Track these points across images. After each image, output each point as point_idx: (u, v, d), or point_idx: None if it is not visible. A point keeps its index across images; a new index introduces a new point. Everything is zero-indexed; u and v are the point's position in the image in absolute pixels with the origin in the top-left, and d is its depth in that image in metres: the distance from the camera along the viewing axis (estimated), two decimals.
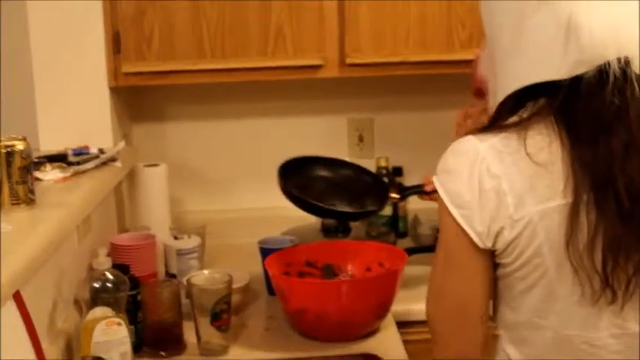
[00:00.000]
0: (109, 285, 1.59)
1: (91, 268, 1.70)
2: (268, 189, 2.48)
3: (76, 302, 1.65)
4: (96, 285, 1.59)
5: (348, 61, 2.14)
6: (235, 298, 1.84)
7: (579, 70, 1.14)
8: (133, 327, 1.68)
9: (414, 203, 2.28)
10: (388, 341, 1.79)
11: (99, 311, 1.57)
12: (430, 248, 2.27)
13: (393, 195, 2.07)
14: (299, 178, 2.05)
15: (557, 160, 1.15)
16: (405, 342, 1.80)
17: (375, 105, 2.51)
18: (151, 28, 2.09)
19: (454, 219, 1.19)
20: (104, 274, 1.60)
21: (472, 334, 1.27)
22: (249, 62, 2.12)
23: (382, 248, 1.96)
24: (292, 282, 1.82)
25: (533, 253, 1.17)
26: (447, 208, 1.20)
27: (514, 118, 1.20)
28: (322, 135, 2.45)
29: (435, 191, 1.98)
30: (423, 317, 1.94)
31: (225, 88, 2.42)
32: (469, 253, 1.21)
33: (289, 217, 2.23)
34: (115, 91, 2.17)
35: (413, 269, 2.15)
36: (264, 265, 1.92)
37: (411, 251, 2.19)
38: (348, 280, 1.88)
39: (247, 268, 2.01)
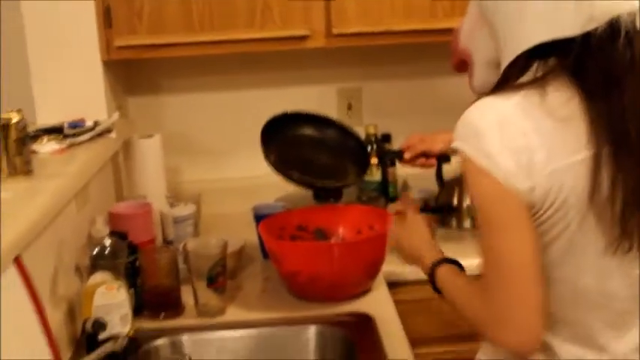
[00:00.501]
0: (107, 251, 1.62)
1: (90, 236, 1.72)
2: (261, 158, 2.51)
3: (77, 269, 1.68)
4: (95, 251, 1.62)
5: (335, 31, 2.15)
6: (231, 262, 1.87)
7: (590, 26, 1.15)
8: (132, 291, 1.71)
9: (402, 169, 2.31)
10: (379, 301, 1.81)
11: (99, 276, 1.59)
12: (419, 211, 2.31)
13: (373, 160, 2.08)
14: (283, 140, 2.04)
15: (577, 115, 1.17)
16: (396, 301, 1.83)
17: (362, 74, 2.52)
18: (141, 2, 2.10)
19: (495, 181, 1.17)
20: (102, 241, 1.62)
21: (533, 299, 1.20)
22: (237, 34, 2.13)
23: (372, 212, 1.99)
24: (285, 245, 1.85)
25: (559, 206, 1.19)
26: (484, 171, 1.17)
27: (527, 78, 1.20)
28: (312, 104, 2.46)
29: (415, 158, 2.01)
30: (412, 278, 2.00)
31: (217, 61, 2.43)
32: (516, 213, 1.18)
33: (282, 185, 2.25)
34: (109, 65, 2.18)
35: None
36: (257, 230, 1.94)
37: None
38: (339, 242, 1.90)
39: (242, 234, 2.04)
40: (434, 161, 2.01)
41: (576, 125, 1.17)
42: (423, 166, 2.02)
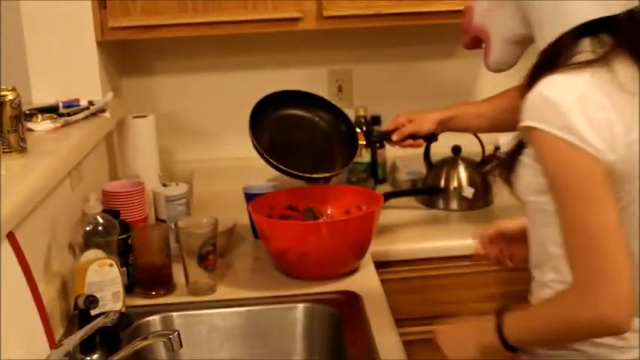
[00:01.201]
0: (100, 228, 1.61)
1: (83, 214, 1.72)
2: None
3: (71, 246, 1.68)
4: (87, 228, 1.61)
5: (325, 13, 2.14)
6: (222, 241, 1.88)
7: (631, 5, 1.23)
8: (124, 269, 1.72)
9: (391, 151, 2.31)
10: (366, 279, 1.82)
11: (91, 253, 1.60)
12: (407, 192, 2.32)
13: (361, 142, 2.06)
14: (271, 123, 2.00)
15: None
16: (383, 281, 1.83)
17: (353, 56, 2.52)
18: None
19: (585, 156, 1.18)
20: (95, 218, 1.62)
21: (626, 268, 1.20)
22: (229, 16, 2.11)
23: (360, 192, 1.99)
24: (274, 223, 1.85)
25: (630, 178, 1.22)
26: (572, 147, 1.18)
27: (587, 56, 1.24)
28: (303, 85, 2.43)
29: (403, 140, 1.99)
30: (399, 257, 2.01)
31: (210, 42, 2.42)
32: (604, 185, 1.20)
33: None
34: (103, 46, 2.17)
35: (391, 212, 2.20)
36: (248, 209, 1.95)
37: (389, 195, 2.24)
38: (327, 221, 1.91)
39: (234, 214, 2.04)
40: (422, 142, 2.00)
41: None
42: (411, 146, 2.02)
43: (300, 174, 1.88)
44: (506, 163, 1.40)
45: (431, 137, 1.98)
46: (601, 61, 1.23)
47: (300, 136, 2.00)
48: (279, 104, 2.01)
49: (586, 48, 1.25)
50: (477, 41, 1.54)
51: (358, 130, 2.06)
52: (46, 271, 1.55)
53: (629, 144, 1.21)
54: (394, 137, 1.95)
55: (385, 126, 2.46)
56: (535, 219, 1.39)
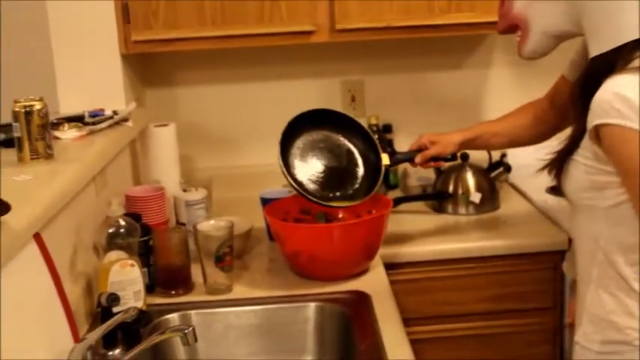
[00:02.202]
0: (121, 230, 1.65)
1: (107, 217, 1.76)
2: (269, 147, 2.54)
3: (95, 247, 1.72)
4: (110, 230, 1.65)
5: (338, 26, 2.18)
6: (238, 243, 1.91)
7: None
8: (146, 270, 1.75)
9: None
10: (376, 280, 1.84)
11: (114, 254, 1.64)
12: (416, 198, 2.35)
13: (385, 163, 2.04)
14: (301, 140, 1.93)
15: None
16: (392, 282, 1.86)
17: (365, 68, 2.55)
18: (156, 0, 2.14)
19: None
20: (117, 221, 1.66)
21: None
22: (246, 29, 2.16)
23: (371, 197, 2.01)
24: (288, 226, 1.88)
25: None
26: None
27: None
28: (317, 96, 2.50)
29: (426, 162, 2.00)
30: (408, 259, 2.04)
31: (228, 55, 2.47)
32: None
33: None
34: (127, 59, 2.22)
35: (401, 217, 2.23)
36: (264, 213, 1.98)
37: (399, 200, 2.26)
38: (338, 224, 1.93)
39: (250, 218, 2.07)
40: (443, 162, 2.01)
41: None
42: (432, 167, 2.04)
43: (321, 202, 1.85)
44: (557, 163, 1.43)
45: (451, 158, 2.00)
46: None
47: (327, 155, 1.93)
48: (310, 122, 1.94)
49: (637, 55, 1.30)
50: (513, 28, 1.56)
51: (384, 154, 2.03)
52: (71, 271, 1.59)
53: None
54: (417, 160, 1.95)
55: (397, 134, 2.51)
56: (586, 216, 1.42)
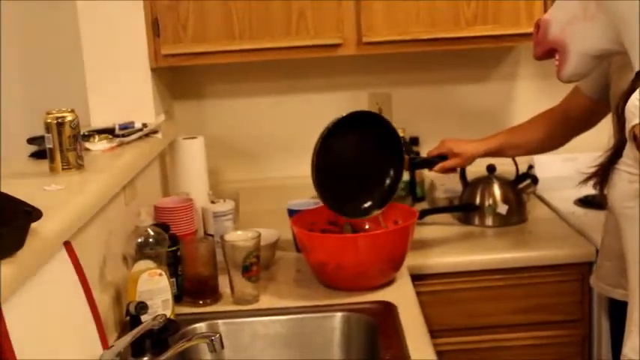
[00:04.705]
0: (150, 240, 1.67)
1: (136, 227, 1.78)
2: (297, 159, 2.56)
3: (124, 257, 1.74)
4: (139, 240, 1.67)
5: (364, 39, 2.20)
6: (265, 254, 1.92)
7: None
8: (174, 279, 1.77)
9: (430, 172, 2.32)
10: (402, 291, 1.84)
11: (143, 264, 1.65)
12: (444, 209, 2.35)
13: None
14: (334, 146, 1.86)
15: None
16: (418, 293, 1.86)
17: (391, 80, 2.56)
18: (186, 13, 2.17)
19: None
20: (146, 231, 1.68)
21: None
22: (274, 42, 2.18)
23: (397, 208, 2.00)
24: (314, 237, 1.88)
25: None
26: None
27: None
28: (345, 108, 2.45)
29: (437, 162, 2.02)
30: (435, 271, 2.04)
31: (255, 68, 2.49)
32: None
33: None
34: (156, 72, 2.25)
35: (429, 228, 2.23)
36: (290, 224, 1.99)
37: (426, 212, 2.26)
38: (363, 234, 1.93)
39: (278, 230, 2.09)
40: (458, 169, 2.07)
41: None
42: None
43: (339, 212, 1.88)
44: (601, 174, 1.43)
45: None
46: None
47: (353, 160, 1.91)
48: (340, 129, 1.88)
49: None
50: (550, 53, 1.57)
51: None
52: (100, 280, 1.61)
53: None
54: (436, 170, 2.06)
55: (424, 146, 2.50)
56: (632, 226, 1.41)
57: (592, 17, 1.44)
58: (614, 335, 1.73)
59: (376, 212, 1.93)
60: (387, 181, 1.95)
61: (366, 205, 1.94)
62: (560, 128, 1.98)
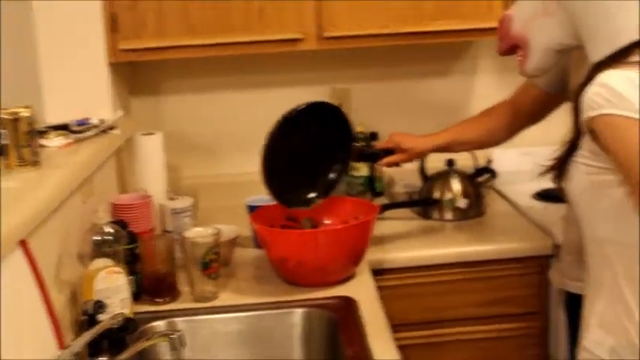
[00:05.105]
0: (108, 238, 1.65)
1: (93, 224, 1.76)
2: (255, 155, 2.53)
3: (80, 256, 1.71)
4: (96, 238, 1.65)
5: (325, 34, 2.19)
6: (224, 251, 1.91)
7: None
8: (132, 277, 1.74)
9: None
10: (363, 286, 1.85)
11: (100, 262, 1.63)
12: (403, 204, 2.35)
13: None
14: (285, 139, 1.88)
15: None
16: (379, 288, 1.86)
17: (352, 75, 2.56)
18: (144, 8, 2.14)
19: None
20: (103, 228, 1.66)
21: None
22: (233, 37, 2.16)
23: (357, 203, 2.02)
24: (274, 232, 1.88)
25: None
26: None
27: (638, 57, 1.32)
28: None
29: (384, 155, 2.05)
30: (395, 265, 2.04)
31: (215, 63, 2.47)
32: None
33: None
34: (114, 67, 2.22)
35: (388, 223, 2.23)
36: (250, 220, 1.98)
37: (386, 207, 2.27)
38: (323, 229, 1.93)
39: (237, 226, 2.07)
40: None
41: None
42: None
43: (281, 201, 1.90)
44: (559, 166, 1.45)
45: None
46: None
47: (303, 151, 1.91)
48: (302, 117, 1.89)
49: (637, 52, 1.33)
50: (513, 48, 1.59)
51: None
52: (57, 279, 1.58)
53: None
54: (382, 163, 2.08)
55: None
56: (588, 216, 1.43)
57: (552, 13, 1.46)
58: (571, 327, 1.75)
59: (319, 202, 1.94)
60: (334, 172, 1.96)
61: (311, 195, 1.95)
62: (510, 121, 2.00)
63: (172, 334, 1.31)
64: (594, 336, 1.45)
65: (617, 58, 1.34)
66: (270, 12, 2.17)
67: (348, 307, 1.71)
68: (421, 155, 2.10)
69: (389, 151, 2.07)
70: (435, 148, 2.06)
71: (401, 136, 2.07)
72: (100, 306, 1.51)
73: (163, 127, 2.38)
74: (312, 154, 1.91)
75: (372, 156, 2.11)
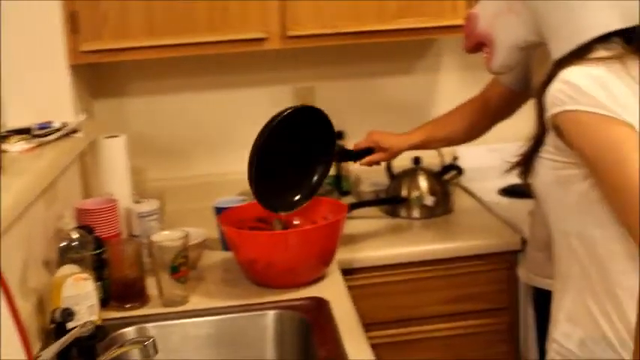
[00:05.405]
0: (74, 244, 1.62)
1: (58, 231, 1.72)
2: (222, 156, 2.53)
3: (46, 262, 1.68)
4: (62, 244, 1.62)
5: (289, 33, 2.18)
6: (193, 254, 1.89)
7: None
8: (100, 283, 1.71)
9: (355, 165, 2.33)
10: (334, 286, 1.84)
11: (67, 268, 1.60)
12: (370, 203, 2.36)
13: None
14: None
15: None
16: (349, 287, 1.86)
17: (316, 74, 2.55)
18: (105, 8, 2.10)
19: (620, 123, 1.27)
20: (69, 234, 1.63)
21: None
22: (196, 37, 2.14)
23: (326, 203, 2.01)
24: (242, 234, 1.86)
25: None
26: (606, 117, 1.27)
27: (601, 54, 1.33)
28: (269, 104, 2.47)
29: (364, 155, 2.06)
30: (364, 264, 2.04)
31: (179, 64, 2.44)
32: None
33: (243, 181, 2.26)
34: (75, 69, 2.18)
35: (356, 222, 2.23)
36: (218, 222, 1.96)
37: (353, 206, 2.27)
38: (293, 230, 1.92)
39: (204, 228, 2.05)
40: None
41: None
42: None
43: (270, 208, 1.89)
44: (525, 162, 1.46)
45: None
46: (614, 58, 1.32)
47: (286, 155, 1.89)
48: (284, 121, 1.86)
49: (599, 49, 1.34)
50: (479, 46, 1.60)
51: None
52: (22, 287, 1.55)
53: None
54: (364, 162, 2.08)
55: (350, 140, 2.50)
56: (555, 211, 1.44)
57: (516, 11, 1.47)
58: (539, 322, 1.77)
59: (303, 204, 1.94)
60: (316, 174, 1.96)
61: (295, 198, 1.94)
62: (481, 118, 2.02)
63: (145, 342, 1.29)
64: (563, 329, 1.46)
65: (579, 55, 1.35)
66: (233, 12, 2.15)
67: (319, 307, 1.70)
68: (399, 153, 2.09)
69: (368, 151, 2.07)
70: (411, 146, 2.06)
71: (379, 134, 2.08)
72: (68, 313, 1.48)
73: (127, 130, 2.34)
74: (295, 156, 1.90)
75: (353, 156, 2.10)
